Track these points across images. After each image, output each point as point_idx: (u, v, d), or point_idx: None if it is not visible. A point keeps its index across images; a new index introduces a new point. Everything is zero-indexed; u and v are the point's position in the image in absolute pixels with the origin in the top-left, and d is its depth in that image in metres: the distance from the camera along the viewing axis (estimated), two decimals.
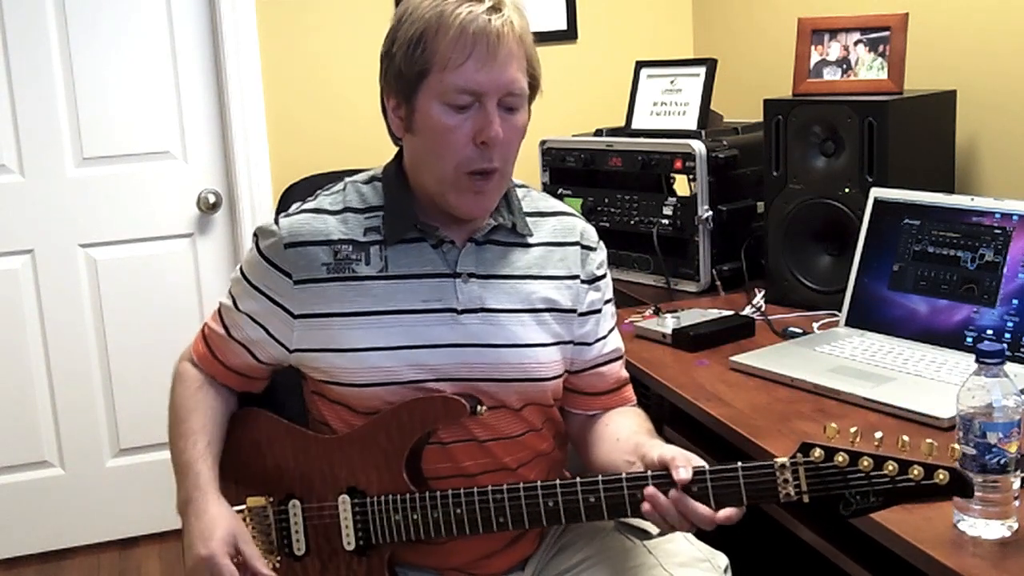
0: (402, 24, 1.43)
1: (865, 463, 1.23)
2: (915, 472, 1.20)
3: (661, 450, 1.36)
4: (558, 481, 1.37)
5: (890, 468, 1.21)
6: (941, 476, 1.19)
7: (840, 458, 1.24)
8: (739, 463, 1.29)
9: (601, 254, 1.60)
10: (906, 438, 1.23)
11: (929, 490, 1.20)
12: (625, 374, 1.65)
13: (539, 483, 1.37)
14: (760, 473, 1.28)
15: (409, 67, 1.41)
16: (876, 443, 1.25)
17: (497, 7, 1.39)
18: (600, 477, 1.35)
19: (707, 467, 1.30)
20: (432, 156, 1.44)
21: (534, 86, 1.46)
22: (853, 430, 1.26)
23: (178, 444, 1.51)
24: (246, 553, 1.43)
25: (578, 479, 1.36)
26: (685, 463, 1.31)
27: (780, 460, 1.28)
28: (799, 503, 1.27)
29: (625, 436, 1.51)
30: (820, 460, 1.25)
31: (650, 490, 1.30)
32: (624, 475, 1.34)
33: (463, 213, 1.45)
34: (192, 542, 1.43)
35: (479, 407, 1.43)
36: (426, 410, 1.43)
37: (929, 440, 1.22)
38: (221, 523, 1.43)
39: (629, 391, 1.65)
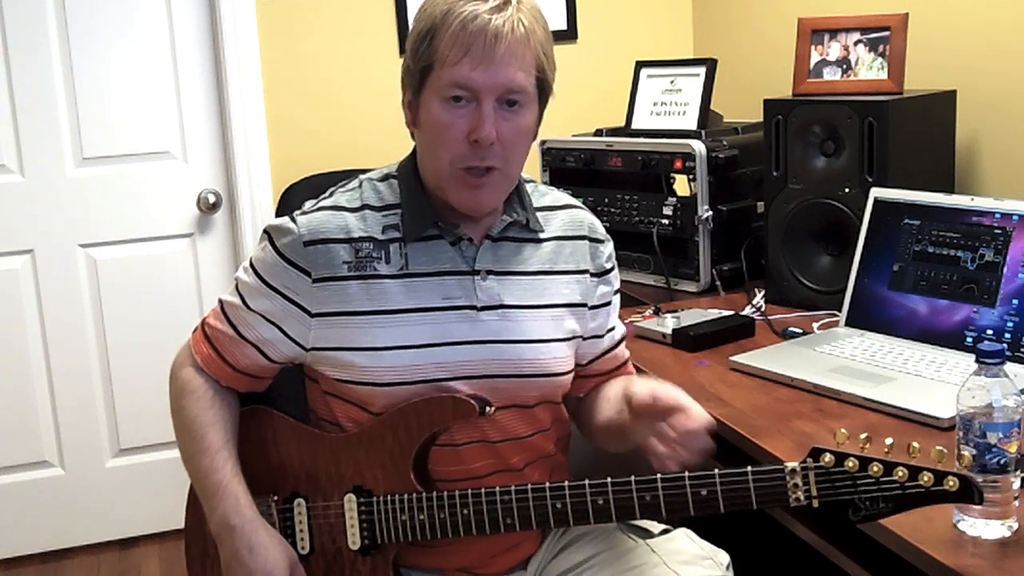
0: (417, 19, 1.45)
1: (875, 468, 1.23)
2: (925, 478, 1.20)
3: (635, 387, 1.40)
4: (566, 483, 1.37)
5: (900, 474, 1.21)
6: (951, 483, 1.19)
7: (850, 463, 1.24)
8: (749, 467, 1.29)
9: (609, 246, 1.61)
10: (916, 444, 1.23)
11: (939, 496, 1.20)
12: (627, 352, 1.68)
13: (547, 484, 1.37)
14: (770, 477, 1.28)
15: (416, 62, 1.43)
16: (886, 449, 1.25)
17: (502, 6, 1.39)
18: (608, 480, 1.35)
19: (717, 470, 1.30)
20: (430, 151, 1.45)
21: (544, 87, 1.45)
22: (863, 436, 1.25)
23: (202, 462, 1.47)
24: None
25: (587, 481, 1.36)
26: (647, 394, 1.36)
27: (790, 465, 1.28)
28: (808, 508, 1.27)
29: (613, 393, 1.56)
30: (830, 465, 1.25)
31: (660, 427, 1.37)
32: (633, 477, 1.34)
33: (461, 207, 1.45)
34: (251, 573, 1.42)
35: (487, 408, 1.43)
36: (435, 411, 1.43)
37: (939, 447, 1.22)
38: (278, 556, 1.43)
39: (630, 365, 1.68)
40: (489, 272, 1.48)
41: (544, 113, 1.50)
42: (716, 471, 1.30)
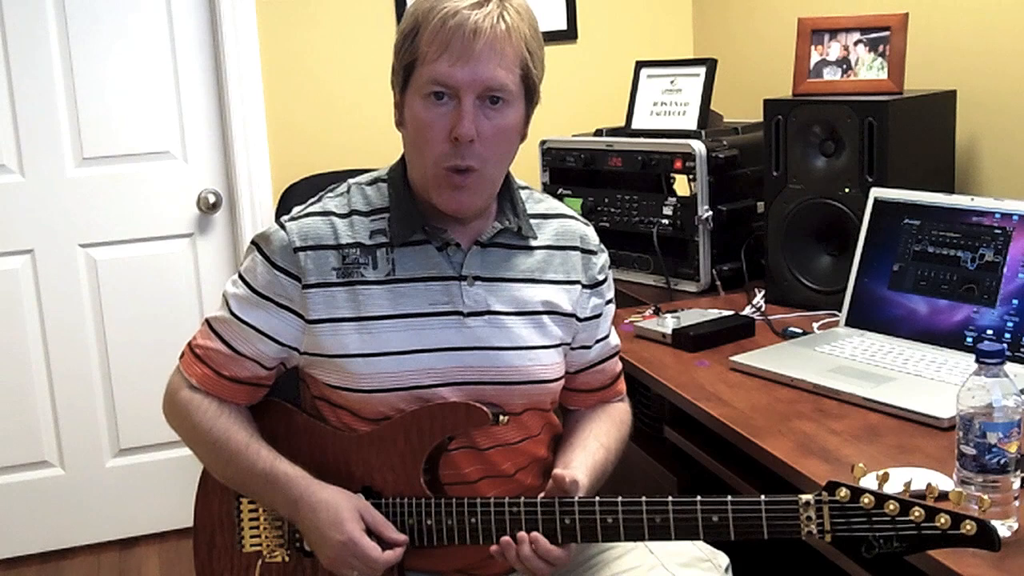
0: (403, 19, 1.45)
1: (891, 507, 1.20)
2: (942, 520, 1.17)
3: (552, 481, 1.39)
4: (576, 499, 1.36)
5: (916, 514, 1.19)
6: (968, 527, 1.16)
7: (866, 500, 1.21)
8: (763, 496, 1.27)
9: (603, 257, 1.60)
10: (934, 483, 1.21)
11: (955, 540, 1.18)
12: (620, 366, 1.67)
13: (556, 499, 1.37)
14: (783, 509, 1.26)
15: (400, 61, 1.44)
16: (904, 486, 1.22)
17: (483, 2, 1.38)
18: (619, 499, 1.34)
19: (730, 497, 1.29)
20: (415, 150, 1.45)
21: (529, 86, 1.44)
22: (881, 473, 1.23)
23: (238, 463, 1.46)
24: (372, 521, 1.40)
25: (597, 499, 1.35)
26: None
27: (805, 497, 1.25)
28: (820, 541, 1.24)
29: (572, 441, 1.56)
30: (846, 500, 1.23)
31: (505, 539, 1.36)
32: (644, 498, 1.33)
33: (444, 209, 1.45)
34: (323, 534, 1.39)
35: (501, 417, 1.42)
36: (448, 416, 1.43)
37: (958, 489, 1.20)
38: (342, 505, 1.40)
39: (621, 382, 1.68)
40: (476, 278, 1.48)
41: (532, 116, 1.48)
42: (728, 498, 1.29)
